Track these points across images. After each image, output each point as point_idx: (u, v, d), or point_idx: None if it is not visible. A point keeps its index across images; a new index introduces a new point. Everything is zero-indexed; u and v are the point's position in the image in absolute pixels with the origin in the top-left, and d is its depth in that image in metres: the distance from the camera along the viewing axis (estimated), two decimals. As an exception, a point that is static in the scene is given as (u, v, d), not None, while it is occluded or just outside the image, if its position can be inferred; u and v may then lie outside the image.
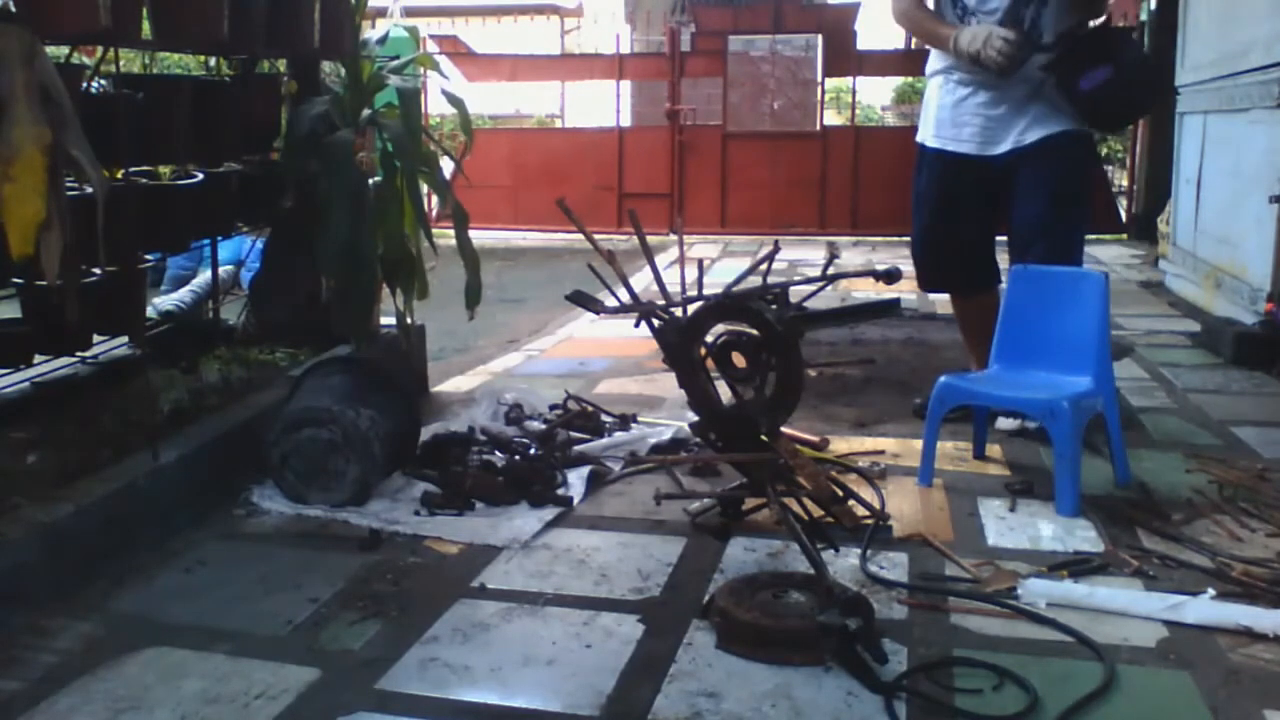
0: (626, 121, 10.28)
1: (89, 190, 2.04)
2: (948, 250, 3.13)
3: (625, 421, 3.11)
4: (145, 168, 2.85)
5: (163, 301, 4.65)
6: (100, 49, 2.48)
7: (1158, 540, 2.24)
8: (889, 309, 2.04)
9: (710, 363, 2.14)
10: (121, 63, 2.56)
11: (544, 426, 3.01)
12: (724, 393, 2.16)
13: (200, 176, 2.88)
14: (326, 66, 3.50)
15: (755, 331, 2.05)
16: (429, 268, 3.34)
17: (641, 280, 2.42)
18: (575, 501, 2.52)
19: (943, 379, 2.61)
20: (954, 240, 3.11)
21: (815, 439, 2.96)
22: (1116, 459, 2.62)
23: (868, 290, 5.06)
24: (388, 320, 3.45)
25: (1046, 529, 2.33)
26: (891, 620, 1.90)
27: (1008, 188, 3.01)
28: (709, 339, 2.13)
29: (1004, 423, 2.97)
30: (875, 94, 18.33)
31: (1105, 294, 2.59)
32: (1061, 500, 2.40)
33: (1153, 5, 8.28)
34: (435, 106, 8.22)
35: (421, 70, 4.03)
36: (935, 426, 2.59)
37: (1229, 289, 4.65)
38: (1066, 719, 1.58)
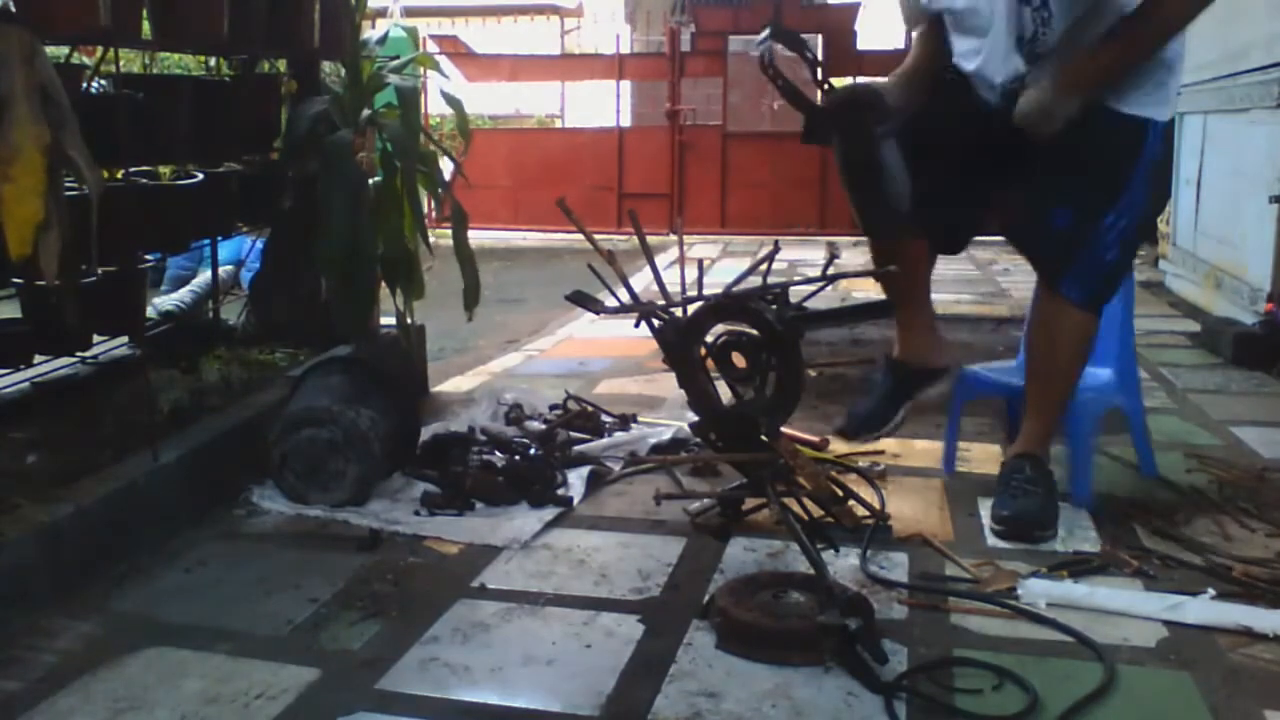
0: (626, 121, 10.29)
1: (87, 190, 2.04)
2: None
3: (625, 421, 3.11)
4: (145, 168, 2.85)
5: (163, 301, 4.64)
6: (100, 49, 2.48)
7: (1158, 540, 2.24)
8: (889, 309, 2.04)
9: (710, 363, 2.14)
10: (121, 63, 2.56)
11: (544, 426, 3.01)
12: (724, 393, 2.16)
13: (200, 176, 2.88)
14: (326, 66, 3.50)
15: (755, 331, 2.04)
16: (426, 268, 3.33)
17: (641, 280, 2.42)
18: (575, 501, 2.52)
19: (964, 369, 2.70)
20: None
21: (815, 439, 2.95)
22: (1141, 452, 2.66)
23: (868, 290, 5.06)
24: (388, 320, 3.44)
25: (1046, 529, 2.32)
26: (891, 620, 1.90)
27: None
28: (709, 339, 2.13)
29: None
30: (875, 94, 18.33)
31: (1130, 290, 2.62)
32: (1077, 489, 2.43)
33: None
34: (435, 106, 8.22)
35: (421, 70, 4.03)
36: (956, 415, 2.68)
37: (1229, 289, 4.65)
38: (1066, 719, 1.58)
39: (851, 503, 2.20)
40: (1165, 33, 2.20)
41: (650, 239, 2.27)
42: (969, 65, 2.32)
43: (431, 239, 3.28)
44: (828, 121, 2.27)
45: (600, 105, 10.75)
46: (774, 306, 2.03)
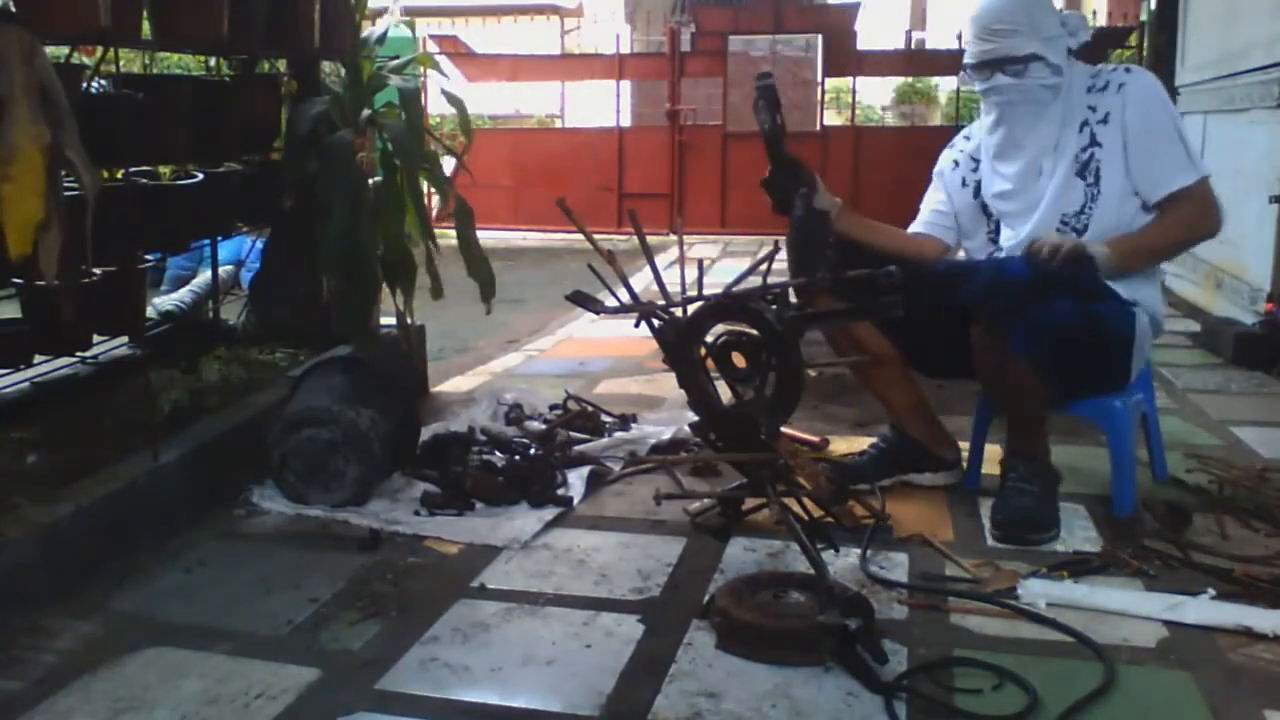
0: (626, 121, 10.28)
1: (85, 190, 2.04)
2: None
3: (625, 421, 3.11)
4: (145, 168, 2.85)
5: (163, 301, 4.64)
6: (100, 49, 2.48)
7: (1158, 540, 2.24)
8: (888, 309, 2.04)
9: (710, 363, 2.14)
10: (121, 63, 2.56)
11: (544, 426, 3.01)
12: (724, 393, 2.16)
13: (200, 176, 2.88)
14: (326, 66, 3.50)
15: (755, 331, 2.04)
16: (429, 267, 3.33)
17: (641, 280, 2.42)
18: (575, 501, 2.52)
19: None
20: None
21: (815, 439, 2.96)
22: (1155, 455, 2.65)
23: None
24: (388, 320, 3.44)
25: (1046, 529, 2.32)
26: (891, 620, 1.90)
27: None
28: (709, 339, 2.13)
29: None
30: (875, 94, 18.35)
31: None
32: (1120, 501, 2.40)
33: (1153, 5, 8.29)
34: (435, 106, 8.21)
35: (421, 70, 4.03)
36: (984, 429, 2.59)
37: (1229, 289, 4.65)
38: (1066, 719, 1.58)
39: (851, 503, 2.20)
40: (1190, 237, 2.45)
41: (650, 239, 2.27)
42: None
43: (432, 238, 3.27)
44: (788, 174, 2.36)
45: (600, 105, 10.74)
46: (774, 306, 2.03)
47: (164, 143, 2.66)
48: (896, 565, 2.14)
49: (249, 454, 2.54)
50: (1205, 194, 2.38)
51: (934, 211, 2.67)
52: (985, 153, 2.57)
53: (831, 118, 11.13)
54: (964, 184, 2.62)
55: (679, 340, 2.13)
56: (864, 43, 9.37)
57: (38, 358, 2.52)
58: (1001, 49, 2.39)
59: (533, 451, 2.79)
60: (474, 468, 2.65)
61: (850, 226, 2.51)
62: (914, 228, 2.69)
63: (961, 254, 2.71)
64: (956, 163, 2.65)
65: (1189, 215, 2.37)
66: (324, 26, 3.05)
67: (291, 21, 2.94)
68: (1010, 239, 2.53)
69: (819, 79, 9.24)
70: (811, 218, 2.27)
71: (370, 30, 3.53)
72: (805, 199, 2.28)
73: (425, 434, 2.83)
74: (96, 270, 2.44)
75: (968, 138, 2.68)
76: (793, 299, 2.11)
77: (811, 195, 2.32)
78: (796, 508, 2.09)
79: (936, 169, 2.71)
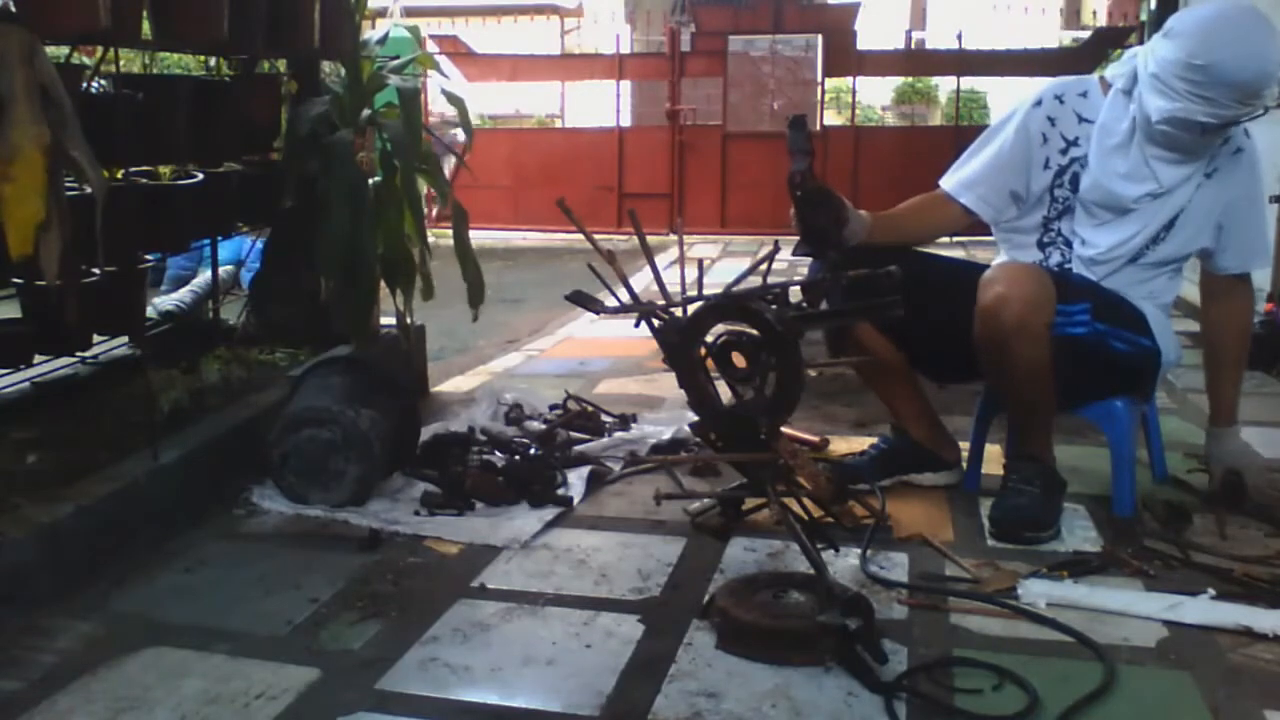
0: (626, 121, 10.28)
1: (88, 190, 2.04)
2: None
3: (625, 421, 3.11)
4: (145, 168, 2.85)
5: (163, 301, 4.64)
6: (100, 49, 2.48)
7: (1158, 540, 2.24)
8: (889, 309, 2.04)
9: (710, 363, 2.14)
10: (121, 63, 2.56)
11: (544, 426, 3.01)
12: (724, 393, 2.16)
13: (200, 176, 2.88)
14: (326, 66, 3.50)
15: (755, 331, 2.04)
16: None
17: (641, 280, 2.42)
18: (575, 501, 2.52)
19: None
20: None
21: (815, 439, 2.96)
22: (1155, 456, 2.66)
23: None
24: (388, 320, 3.44)
25: (1046, 529, 2.32)
26: (891, 620, 1.90)
27: None
28: (709, 339, 2.13)
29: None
30: (875, 94, 18.37)
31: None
32: (1119, 501, 2.40)
33: (1152, 5, 8.29)
34: (435, 106, 8.22)
35: (421, 70, 4.03)
36: (984, 429, 2.59)
37: (1229, 289, 4.64)
38: (1066, 719, 1.58)
39: (851, 503, 2.20)
40: (1246, 344, 2.65)
41: (650, 239, 2.27)
42: (1087, 252, 2.43)
43: (431, 239, 3.28)
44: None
45: (600, 105, 10.75)
46: (774, 306, 2.03)
47: (164, 143, 2.66)
48: (896, 565, 2.14)
49: (249, 454, 2.54)
50: (1250, 279, 2.50)
51: (988, 186, 2.44)
52: (1106, 152, 2.36)
53: (831, 118, 11.13)
54: (1047, 165, 2.41)
55: (679, 340, 2.13)
56: (864, 43, 9.37)
57: (38, 358, 2.51)
58: (1251, 112, 2.21)
59: (533, 451, 2.79)
60: (474, 468, 2.65)
61: (885, 237, 2.42)
62: (956, 193, 2.48)
63: (996, 234, 2.55)
64: (1045, 137, 2.40)
65: (1248, 310, 2.58)
66: (324, 26, 3.05)
67: (291, 21, 2.94)
68: (1092, 238, 2.40)
69: (819, 79, 9.24)
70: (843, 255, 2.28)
71: (370, 30, 3.53)
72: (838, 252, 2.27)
73: (425, 434, 2.82)
74: (96, 270, 2.44)
75: (1059, 98, 2.40)
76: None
77: (843, 229, 2.30)
78: (796, 508, 2.09)
79: (1019, 123, 2.41)
